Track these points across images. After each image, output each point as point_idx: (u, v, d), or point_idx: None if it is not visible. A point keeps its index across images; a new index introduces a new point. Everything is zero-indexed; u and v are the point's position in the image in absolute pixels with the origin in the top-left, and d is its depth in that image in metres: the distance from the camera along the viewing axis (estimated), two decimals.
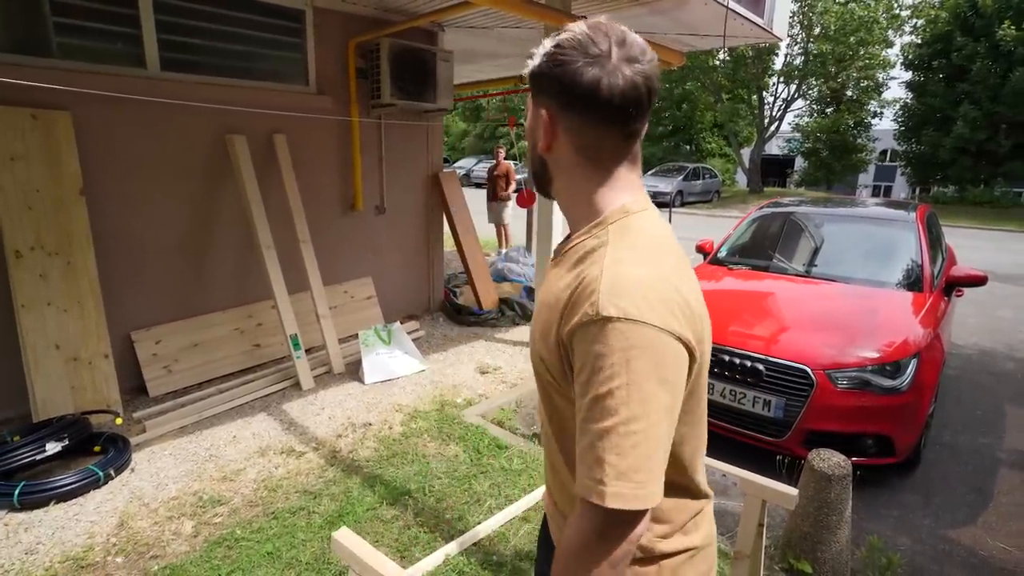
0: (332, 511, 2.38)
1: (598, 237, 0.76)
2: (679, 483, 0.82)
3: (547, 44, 0.76)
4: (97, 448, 2.72)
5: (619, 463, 0.63)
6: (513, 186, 8.25)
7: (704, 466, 0.89)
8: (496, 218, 8.52)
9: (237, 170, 3.68)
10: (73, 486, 2.43)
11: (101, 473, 2.52)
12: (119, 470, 2.62)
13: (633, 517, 0.64)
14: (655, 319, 0.65)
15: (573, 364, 0.70)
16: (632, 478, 0.63)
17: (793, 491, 1.31)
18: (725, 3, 3.93)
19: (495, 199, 8.33)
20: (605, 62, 0.71)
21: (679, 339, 0.67)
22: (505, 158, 8.43)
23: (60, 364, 2.97)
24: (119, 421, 2.97)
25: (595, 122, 0.74)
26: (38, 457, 2.51)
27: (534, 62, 0.77)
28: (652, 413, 0.64)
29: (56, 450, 2.56)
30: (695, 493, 0.84)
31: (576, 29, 0.74)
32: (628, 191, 0.78)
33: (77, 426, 2.70)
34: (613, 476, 0.63)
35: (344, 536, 1.11)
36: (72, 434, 2.64)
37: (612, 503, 0.62)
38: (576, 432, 0.68)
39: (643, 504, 0.63)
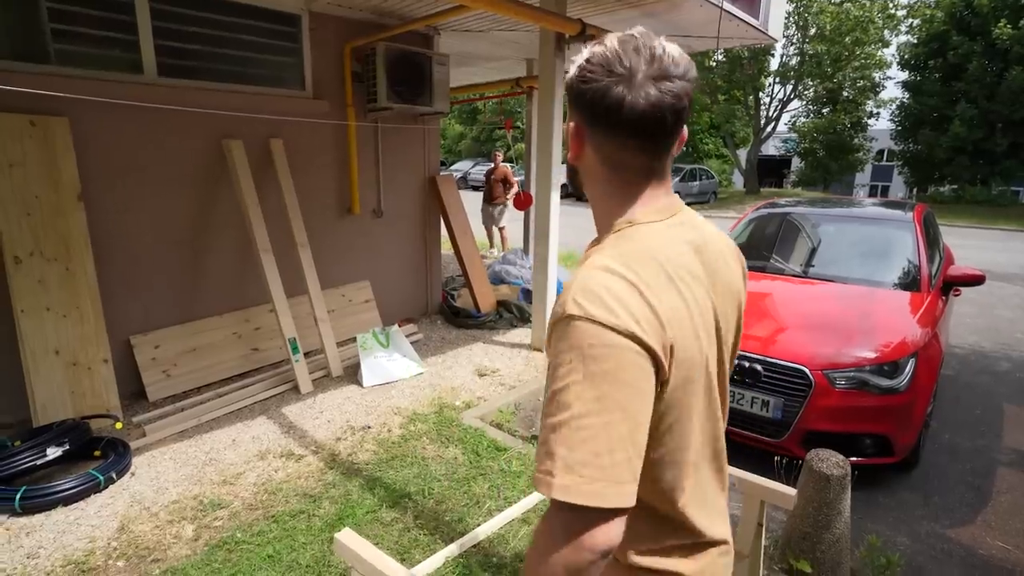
0: (332, 514, 2.39)
1: (597, 244, 0.79)
2: (659, 511, 0.79)
3: (580, 57, 0.77)
4: (97, 452, 2.72)
5: (568, 456, 0.62)
6: (515, 189, 8.28)
7: (715, 508, 0.85)
8: (491, 221, 8.52)
9: (234, 175, 3.69)
10: (74, 490, 2.44)
11: (102, 477, 2.52)
12: (119, 474, 2.62)
13: (589, 518, 0.62)
14: (615, 321, 0.65)
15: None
16: (580, 472, 0.61)
17: (791, 491, 1.32)
18: (719, 4, 3.95)
19: (491, 202, 8.35)
20: (630, 81, 0.70)
21: (641, 345, 0.66)
22: (503, 161, 8.48)
23: (60, 369, 2.97)
24: (119, 426, 2.98)
25: (619, 139, 0.75)
26: (39, 462, 2.52)
27: (569, 74, 0.78)
28: (607, 411, 0.63)
29: (57, 455, 2.56)
30: (686, 529, 0.81)
31: (607, 44, 0.74)
32: (647, 204, 0.78)
33: (77, 431, 2.70)
34: (561, 468, 0.62)
35: (347, 537, 1.12)
36: (72, 439, 2.64)
37: (558, 495, 0.61)
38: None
39: (591, 500, 0.61)
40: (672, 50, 0.73)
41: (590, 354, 0.64)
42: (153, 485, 2.60)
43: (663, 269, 0.72)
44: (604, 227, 0.81)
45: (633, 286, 0.68)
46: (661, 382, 0.69)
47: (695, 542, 0.82)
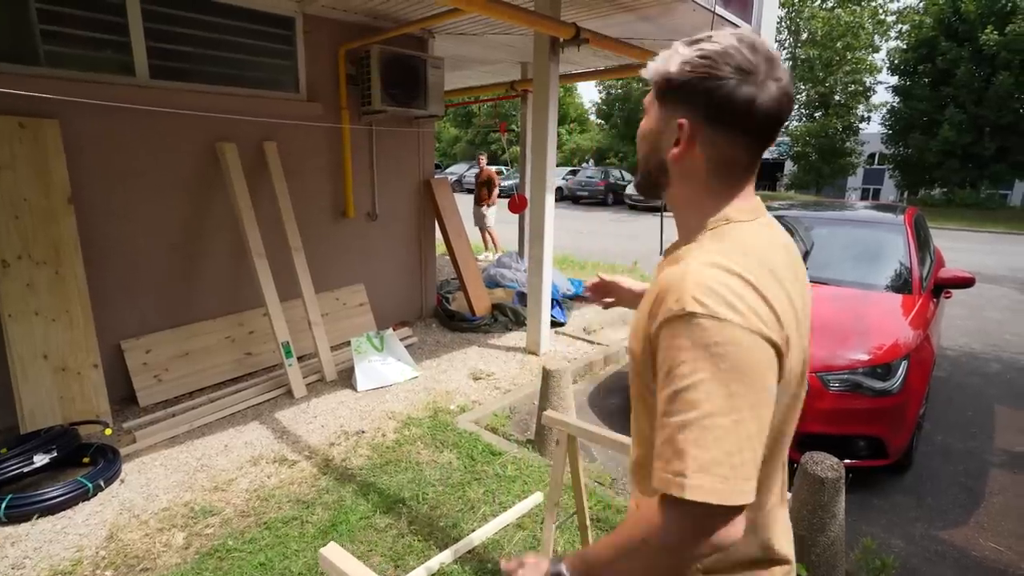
0: (325, 520, 2.36)
1: (693, 241, 0.77)
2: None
3: (685, 51, 0.74)
4: (86, 459, 2.68)
5: (701, 455, 0.61)
6: (496, 190, 8.71)
7: (785, 521, 0.82)
8: (479, 222, 8.78)
9: (228, 178, 3.67)
10: (61, 498, 2.40)
11: (90, 485, 2.48)
12: (108, 481, 2.58)
13: (715, 516, 0.62)
14: (739, 319, 0.64)
15: (657, 360, 0.69)
16: (714, 471, 0.61)
17: (786, 495, 1.31)
18: (712, 8, 3.97)
19: (478, 203, 8.75)
20: (757, 79, 0.70)
21: (767, 341, 0.66)
22: (488, 163, 8.96)
23: (48, 374, 2.93)
24: (108, 432, 2.94)
25: (738, 138, 0.74)
26: (25, 470, 2.47)
27: (668, 67, 0.75)
28: (737, 410, 0.62)
29: (44, 462, 2.52)
30: (761, 541, 0.78)
31: (723, 41, 0.72)
32: (742, 203, 0.78)
33: (66, 437, 2.66)
34: (694, 468, 0.61)
35: (331, 552, 1.10)
36: (60, 446, 2.60)
37: (692, 495, 0.60)
38: (656, 429, 0.67)
39: (726, 499, 0.60)
40: (777, 52, 0.74)
41: (717, 352, 0.63)
42: (143, 492, 2.56)
43: (767, 267, 0.72)
44: (695, 227, 0.79)
45: (748, 283, 0.68)
46: (779, 379, 0.69)
47: (766, 557, 0.79)
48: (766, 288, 0.69)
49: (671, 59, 0.75)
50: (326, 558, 1.09)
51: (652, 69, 0.78)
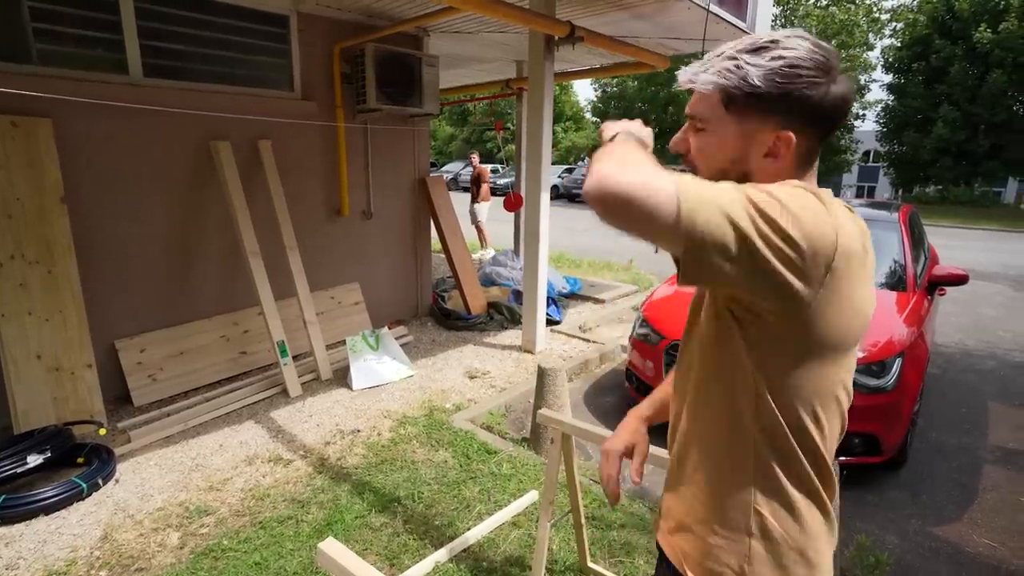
0: (320, 520, 2.36)
1: None
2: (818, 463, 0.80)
3: (759, 60, 0.73)
4: (80, 459, 2.66)
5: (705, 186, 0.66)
6: (485, 186, 8.93)
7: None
8: (472, 218, 8.94)
9: (222, 176, 3.65)
10: (56, 499, 2.39)
11: (85, 485, 2.47)
12: (103, 481, 2.57)
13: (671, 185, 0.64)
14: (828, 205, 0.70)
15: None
16: (700, 191, 0.64)
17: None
18: (706, 6, 3.97)
19: (473, 200, 8.96)
20: (835, 74, 0.74)
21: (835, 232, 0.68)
22: (483, 162, 9.31)
23: (42, 374, 2.91)
24: (103, 432, 2.92)
25: (818, 133, 0.77)
26: (19, 470, 2.46)
27: (751, 80, 0.74)
28: (746, 200, 0.65)
29: (38, 462, 2.51)
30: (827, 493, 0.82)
31: (798, 45, 0.74)
32: (812, 180, 0.81)
33: (60, 437, 2.65)
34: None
35: (329, 547, 1.10)
36: (54, 446, 2.59)
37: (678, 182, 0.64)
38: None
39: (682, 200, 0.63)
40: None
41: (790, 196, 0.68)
42: (138, 492, 2.55)
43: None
44: None
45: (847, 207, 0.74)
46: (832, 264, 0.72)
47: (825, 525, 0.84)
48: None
49: (743, 70, 0.74)
50: (324, 553, 1.09)
51: (717, 82, 0.76)
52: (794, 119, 0.75)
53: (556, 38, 3.82)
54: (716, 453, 0.82)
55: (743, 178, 0.78)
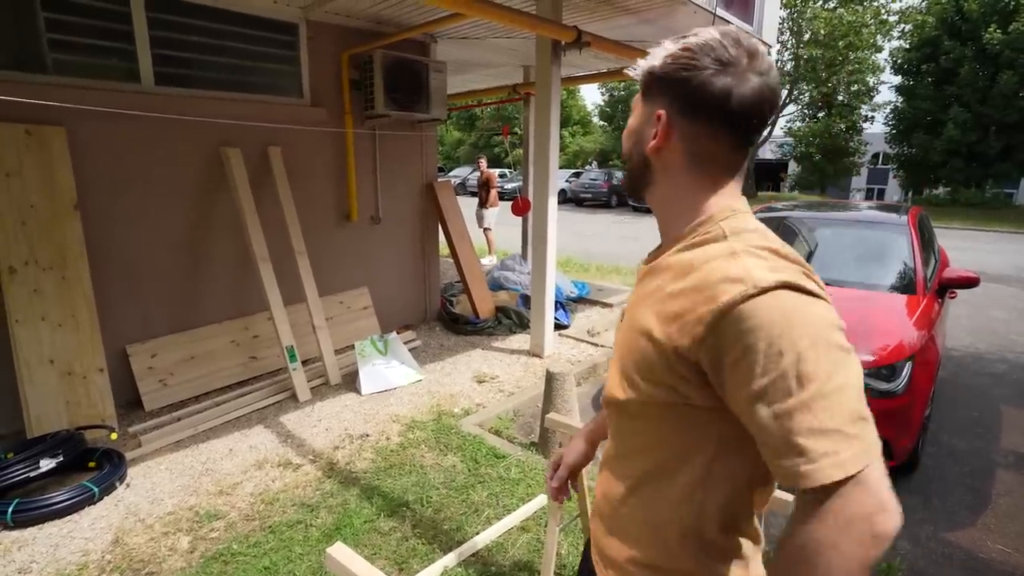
0: (330, 524, 2.37)
1: (707, 234, 0.72)
2: (746, 517, 0.76)
3: (670, 46, 0.75)
4: (92, 464, 2.70)
5: (841, 422, 0.57)
6: (493, 191, 8.91)
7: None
8: (479, 222, 8.89)
9: (232, 182, 3.69)
10: (68, 503, 2.41)
11: (96, 489, 2.50)
12: (115, 485, 2.60)
13: (877, 483, 0.57)
14: (815, 287, 0.63)
15: (721, 361, 0.63)
16: (859, 432, 0.57)
17: (789, 497, 1.31)
18: (712, 11, 3.98)
19: (481, 205, 8.94)
20: (735, 70, 0.70)
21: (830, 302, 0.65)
22: (490, 167, 9.23)
23: (54, 379, 2.95)
24: (114, 436, 2.95)
25: (715, 131, 0.72)
26: (32, 474, 2.49)
27: (653, 62, 0.75)
28: (845, 365, 0.59)
29: (50, 467, 2.54)
30: (755, 536, 0.79)
31: (707, 35, 0.72)
32: (734, 200, 0.75)
33: (71, 442, 2.68)
34: (840, 441, 0.56)
35: (338, 551, 1.10)
36: (66, 450, 2.62)
37: (854, 466, 0.56)
38: (754, 431, 0.62)
39: (877, 450, 0.58)
40: (764, 50, 0.74)
41: (809, 321, 0.61)
42: (148, 496, 2.57)
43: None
44: (684, 220, 0.76)
45: (799, 258, 0.68)
46: None
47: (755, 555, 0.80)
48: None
49: (656, 55, 0.76)
50: (333, 558, 1.10)
51: (639, 66, 0.78)
52: (676, 102, 0.73)
53: (563, 43, 3.83)
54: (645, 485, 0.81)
55: (641, 162, 0.78)
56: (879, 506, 0.57)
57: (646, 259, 0.83)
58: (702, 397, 0.68)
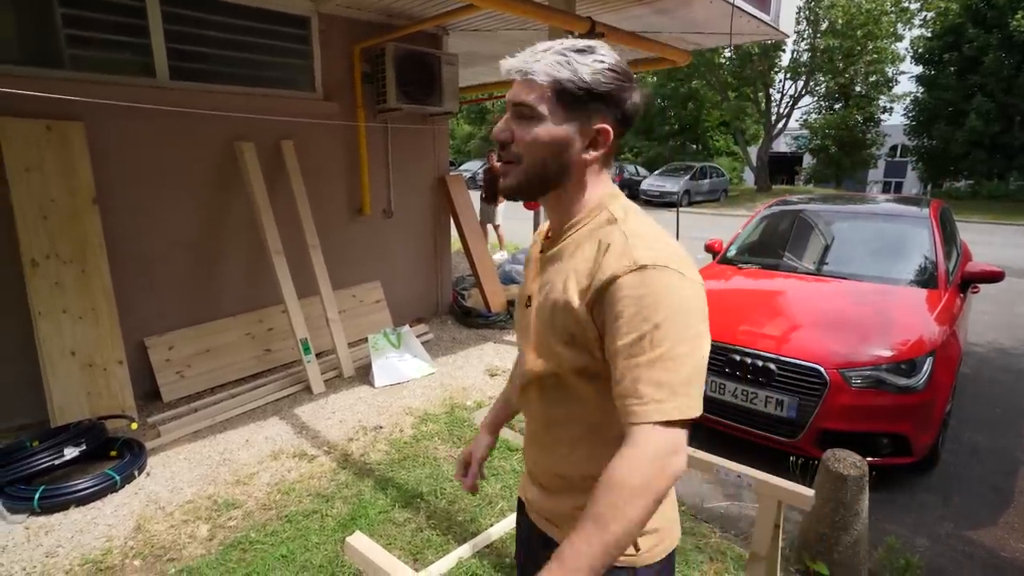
0: (345, 514, 2.39)
1: (599, 216, 0.86)
2: None
3: (585, 60, 0.81)
4: (113, 453, 2.75)
5: (674, 380, 0.72)
6: None
7: None
8: (487, 218, 8.70)
9: (246, 177, 3.72)
10: (91, 490, 2.47)
11: (118, 477, 2.55)
12: (136, 474, 2.65)
13: (682, 435, 0.73)
14: (684, 269, 0.78)
15: (606, 321, 0.77)
16: (687, 392, 0.73)
17: (809, 492, 1.29)
18: (731, 0, 3.91)
19: (485, 201, 8.64)
20: (635, 85, 0.85)
21: (702, 285, 0.80)
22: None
23: (76, 370, 3.01)
24: (134, 426, 3.01)
25: (622, 135, 0.87)
26: (56, 462, 2.55)
27: (581, 75, 0.80)
28: (694, 339, 0.75)
29: (74, 455, 2.59)
30: None
31: (611, 54, 0.83)
32: (608, 185, 0.90)
33: (94, 431, 2.73)
34: (668, 393, 0.72)
35: (357, 540, 1.12)
36: (89, 439, 2.67)
37: (675, 414, 0.71)
38: (615, 376, 0.76)
39: (696, 412, 0.73)
40: None
41: (674, 295, 0.76)
42: (168, 485, 2.62)
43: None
44: (579, 209, 0.88)
45: (674, 241, 0.84)
46: None
47: None
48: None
49: (572, 67, 0.80)
50: (352, 546, 1.11)
51: (552, 74, 0.81)
52: (617, 118, 0.84)
53: (576, 34, 3.79)
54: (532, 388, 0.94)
55: (561, 169, 0.85)
56: (677, 448, 0.72)
57: (541, 245, 0.94)
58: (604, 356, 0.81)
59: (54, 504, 2.40)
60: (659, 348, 0.72)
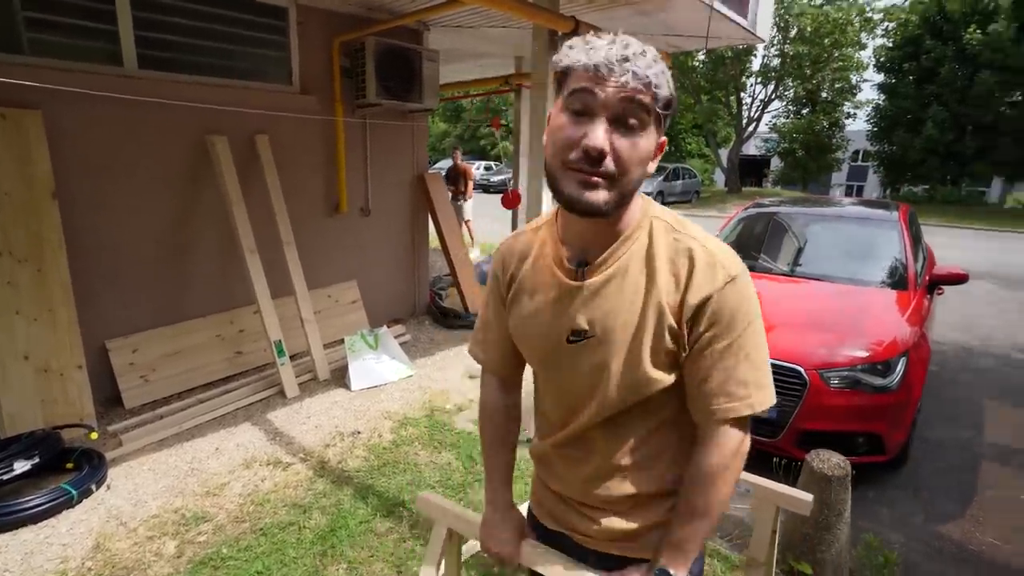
0: (323, 525, 2.30)
1: (651, 226, 0.84)
2: None
3: (663, 69, 0.75)
4: (70, 465, 2.57)
5: (759, 376, 0.81)
6: (471, 185, 9.07)
7: None
8: (458, 215, 8.83)
9: (218, 171, 3.56)
10: (44, 507, 2.30)
11: (75, 492, 2.39)
12: (95, 488, 2.49)
13: (749, 421, 0.84)
14: (745, 268, 0.84)
15: (698, 331, 0.80)
16: (768, 383, 0.82)
17: (807, 497, 1.29)
18: (710, 3, 3.94)
19: (456, 197, 8.83)
20: None
21: None
22: (478, 158, 9.50)
23: (29, 376, 2.82)
24: (94, 435, 2.83)
25: None
26: (6, 477, 2.37)
27: (673, 90, 0.77)
28: (764, 335, 0.84)
29: (25, 469, 2.42)
30: None
31: (652, 49, 0.78)
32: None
33: (48, 442, 2.56)
34: (754, 388, 0.80)
35: (430, 496, 1.22)
36: (43, 451, 2.50)
37: (758, 408, 0.80)
38: (697, 376, 0.81)
39: (773, 399, 0.82)
40: None
41: (755, 299, 0.83)
42: (131, 498, 2.47)
43: None
44: (619, 229, 0.84)
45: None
46: None
47: None
48: None
49: (667, 75, 0.76)
50: (424, 499, 1.21)
51: (665, 84, 0.75)
52: (665, 125, 0.81)
53: (559, 33, 3.76)
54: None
55: (640, 185, 0.82)
56: (748, 433, 0.84)
57: (578, 270, 0.84)
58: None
59: (2, 523, 2.22)
60: (744, 349, 0.79)
